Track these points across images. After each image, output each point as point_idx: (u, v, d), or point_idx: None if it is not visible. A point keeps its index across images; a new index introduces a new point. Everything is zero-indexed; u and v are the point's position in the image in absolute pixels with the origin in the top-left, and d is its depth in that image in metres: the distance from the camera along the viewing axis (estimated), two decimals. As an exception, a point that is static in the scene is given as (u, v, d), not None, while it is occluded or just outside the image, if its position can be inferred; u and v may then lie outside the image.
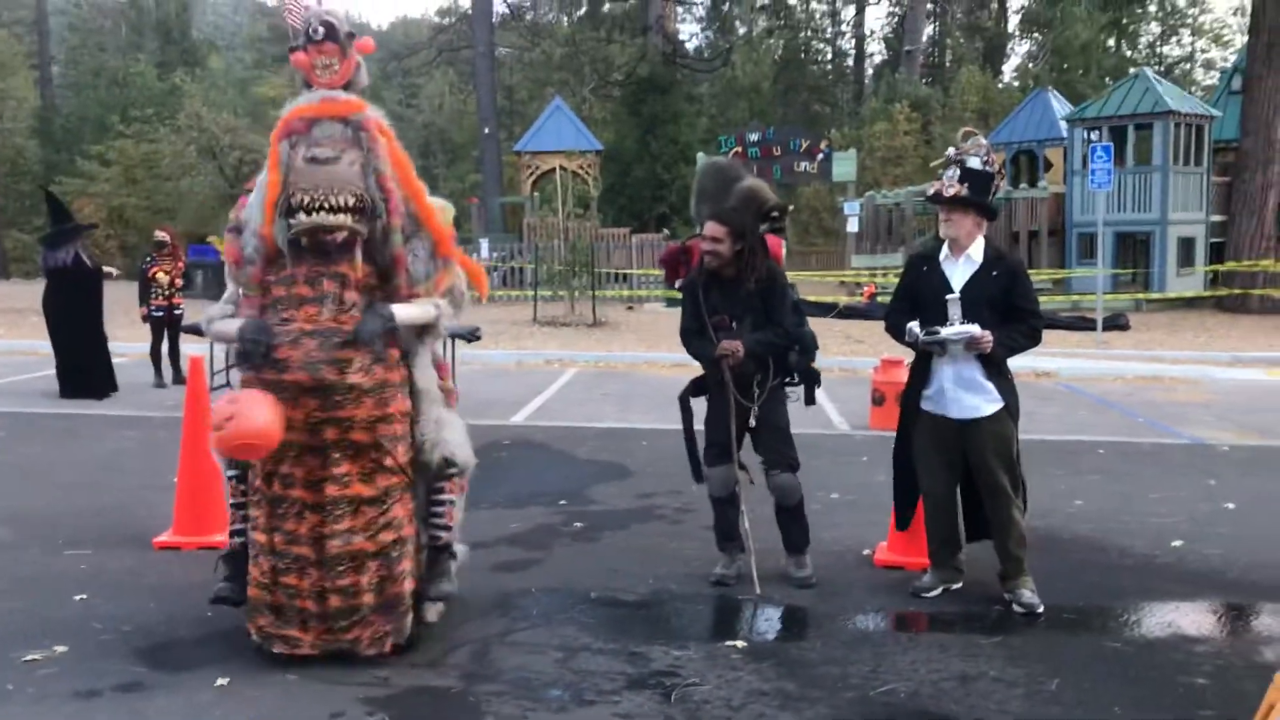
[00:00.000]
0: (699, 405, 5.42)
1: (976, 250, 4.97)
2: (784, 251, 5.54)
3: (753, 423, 5.22)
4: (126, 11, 51.16)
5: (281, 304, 4.16)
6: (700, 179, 5.38)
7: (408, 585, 4.32)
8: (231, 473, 4.40)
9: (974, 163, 4.92)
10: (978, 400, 4.92)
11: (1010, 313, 4.92)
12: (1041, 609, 4.88)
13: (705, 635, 4.67)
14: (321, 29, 4.24)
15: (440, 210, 4.45)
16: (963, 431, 4.97)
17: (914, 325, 4.97)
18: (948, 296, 4.87)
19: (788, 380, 5.31)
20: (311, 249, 4.14)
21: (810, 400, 5.42)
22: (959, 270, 4.97)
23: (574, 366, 14.19)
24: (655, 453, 8.48)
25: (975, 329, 4.80)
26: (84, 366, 11.10)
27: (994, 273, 4.92)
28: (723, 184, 5.23)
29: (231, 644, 4.40)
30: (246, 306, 4.24)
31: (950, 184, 4.93)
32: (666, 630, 4.69)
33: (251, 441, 4.00)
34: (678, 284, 5.53)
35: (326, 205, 4.06)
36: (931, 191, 5.05)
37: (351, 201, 4.10)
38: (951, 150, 5.03)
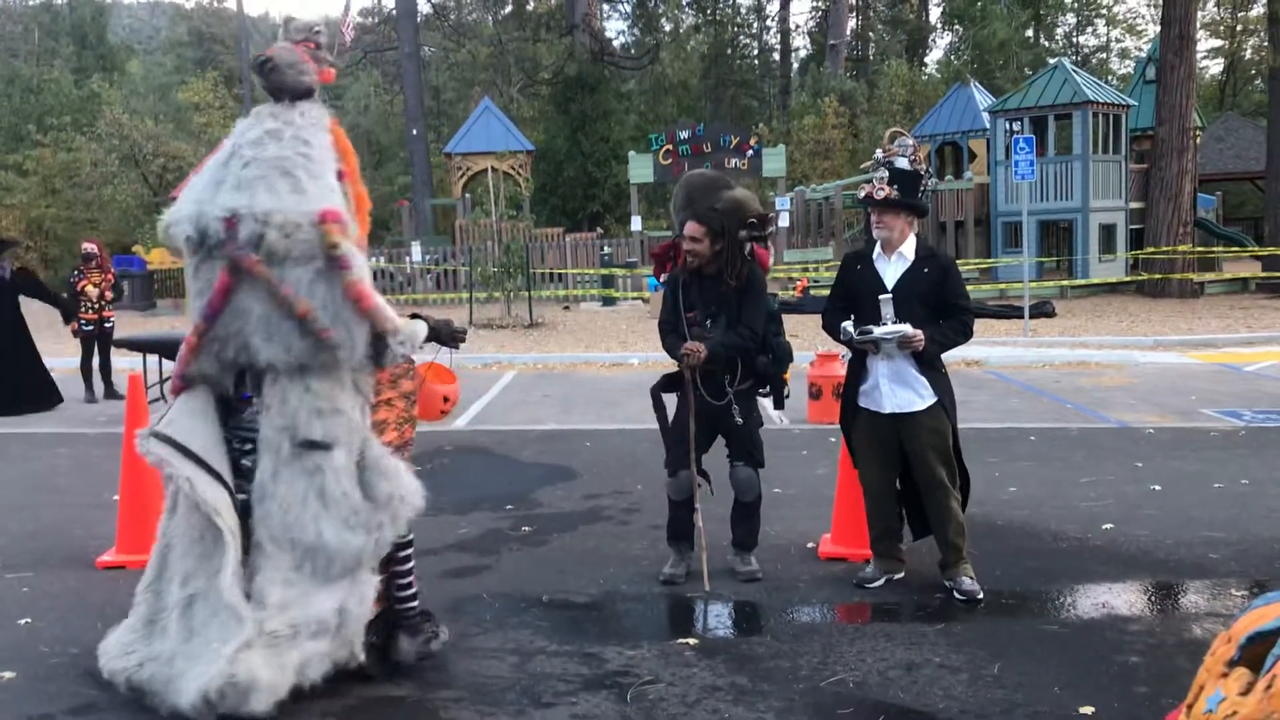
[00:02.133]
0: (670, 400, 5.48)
1: (908, 248, 5.11)
2: (770, 262, 5.62)
3: (731, 421, 5.29)
4: (39, 16, 49.88)
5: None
6: (687, 188, 5.40)
7: None
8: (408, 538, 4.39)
9: (902, 163, 5.05)
10: (910, 395, 5.06)
11: (942, 308, 5.06)
12: (981, 595, 5.03)
13: (657, 634, 4.74)
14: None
15: None
16: (898, 426, 5.11)
17: (848, 324, 5.09)
18: (880, 296, 5.00)
19: (760, 390, 5.42)
20: None
21: (779, 405, 5.57)
22: (891, 268, 5.11)
23: (512, 369, 14.20)
24: (599, 454, 8.54)
25: (907, 328, 4.92)
26: (16, 382, 10.89)
27: (925, 269, 5.06)
28: (711, 192, 5.31)
29: (183, 662, 4.37)
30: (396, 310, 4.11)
31: (880, 186, 5.05)
32: (619, 630, 4.76)
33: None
34: (662, 278, 5.58)
35: None
36: (862, 195, 5.16)
37: None
38: (879, 153, 5.17)
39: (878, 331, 4.97)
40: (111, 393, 11.74)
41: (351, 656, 4.02)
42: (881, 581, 5.27)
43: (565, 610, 5.02)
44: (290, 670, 3.80)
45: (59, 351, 13.95)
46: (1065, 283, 21.59)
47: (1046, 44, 45.84)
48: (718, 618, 5.00)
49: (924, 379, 5.04)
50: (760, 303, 5.28)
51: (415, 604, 4.38)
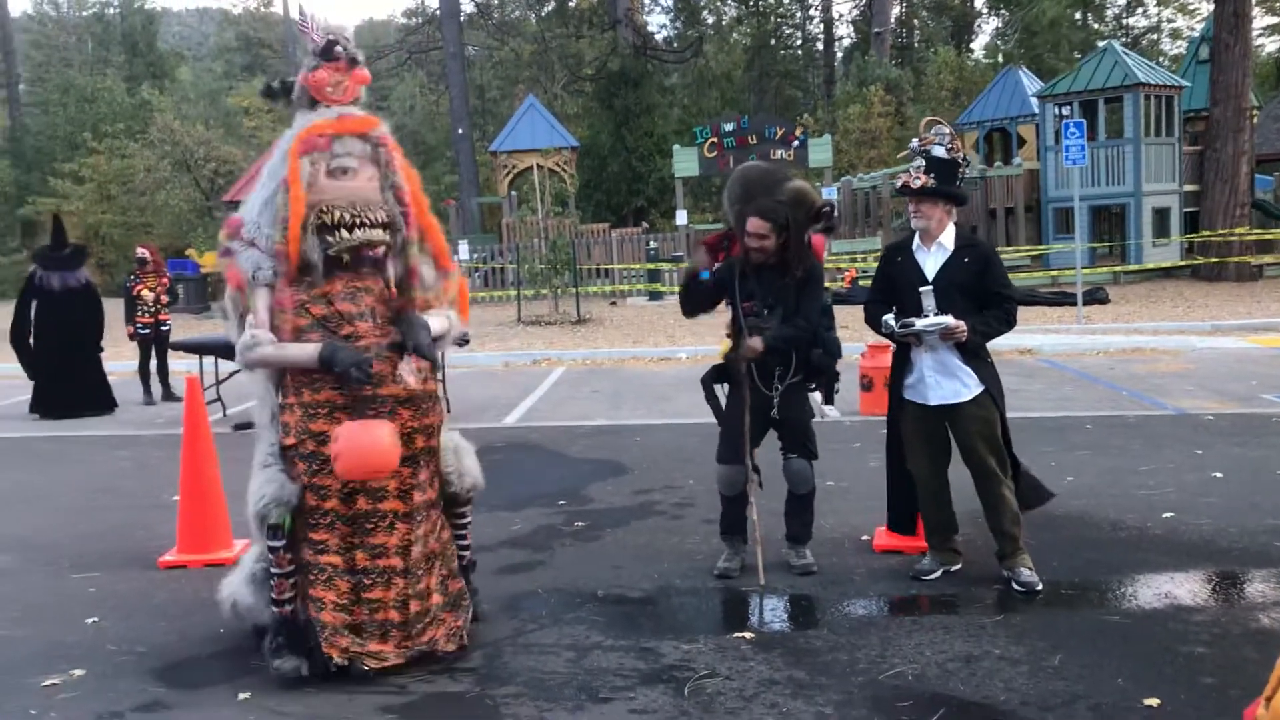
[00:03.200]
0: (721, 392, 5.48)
1: (948, 237, 5.05)
2: (826, 252, 5.58)
3: (775, 415, 5.27)
4: (91, 26, 50.76)
5: (329, 322, 4.18)
6: (743, 182, 5.31)
7: (462, 581, 4.46)
8: (276, 543, 4.20)
9: (939, 151, 4.99)
10: (957, 386, 5.01)
11: (984, 297, 4.99)
12: (1040, 586, 4.97)
13: (713, 628, 4.74)
14: (339, 48, 4.30)
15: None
16: (946, 417, 5.07)
17: (889, 317, 5.06)
18: (921, 288, 4.93)
19: (810, 385, 5.38)
20: (346, 265, 4.20)
21: (828, 400, 5.54)
22: (931, 259, 5.05)
23: (561, 365, 14.24)
24: (649, 448, 8.55)
25: (949, 320, 4.86)
26: (70, 387, 11.11)
27: (965, 259, 5.00)
28: (770, 184, 5.23)
29: (245, 660, 4.45)
30: (286, 329, 4.18)
31: (917, 175, 4.98)
32: (675, 625, 4.77)
33: (379, 467, 4.10)
34: (715, 268, 5.52)
35: (367, 221, 4.14)
36: (900, 184, 5.11)
37: (383, 217, 4.19)
38: (915, 141, 5.10)
39: (919, 324, 4.91)
40: (169, 395, 11.94)
41: None
42: (939, 574, 5.23)
43: (620, 605, 5.03)
44: None
45: (116, 355, 14.19)
46: (1119, 268, 21.27)
47: (1096, 26, 45.15)
48: (773, 611, 4.99)
49: (969, 368, 4.98)
50: (819, 296, 5.25)
51: None
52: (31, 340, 11.29)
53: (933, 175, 4.97)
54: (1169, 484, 6.82)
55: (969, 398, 4.99)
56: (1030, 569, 5.04)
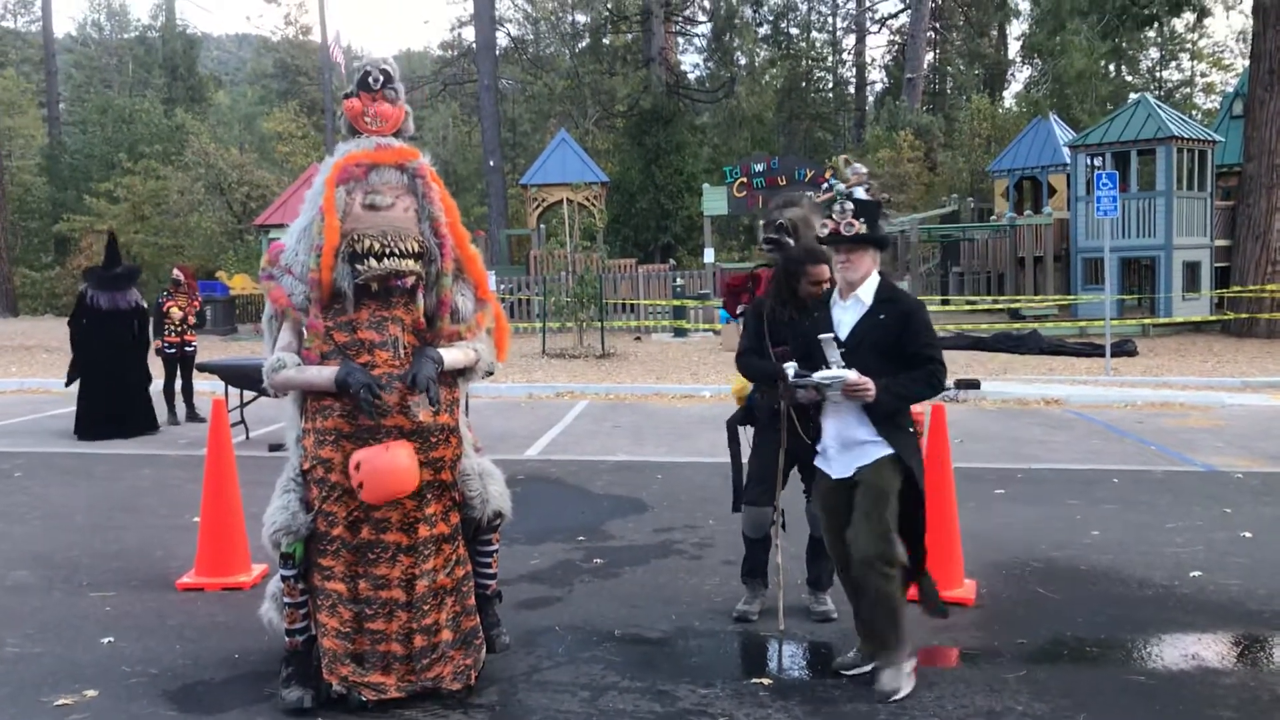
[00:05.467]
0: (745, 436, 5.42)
1: (867, 291, 4.47)
2: None
3: (805, 457, 5.10)
4: (134, 48, 51.58)
5: (350, 349, 4.19)
6: (796, 218, 5.17)
7: (477, 619, 4.39)
8: (289, 573, 4.21)
9: (860, 193, 4.58)
10: (859, 457, 4.44)
11: (905, 359, 4.37)
12: (903, 694, 4.30)
13: (731, 673, 4.67)
14: (380, 77, 4.33)
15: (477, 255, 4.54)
16: (845, 492, 4.49)
17: (789, 366, 4.58)
18: (821, 335, 4.40)
19: None
20: (375, 294, 4.22)
21: None
22: (848, 313, 4.49)
23: (584, 399, 14.23)
24: (670, 486, 8.50)
25: (850, 374, 4.29)
26: (113, 407, 11.12)
27: (881, 315, 4.40)
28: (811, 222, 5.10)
29: (259, 686, 4.42)
30: (312, 354, 4.22)
31: (849, 220, 4.41)
32: (692, 668, 4.71)
33: (397, 489, 4.10)
34: (739, 310, 5.43)
35: (397, 250, 4.16)
36: (827, 231, 4.50)
37: (415, 248, 4.20)
38: (838, 183, 4.65)
39: (816, 376, 4.34)
40: (193, 415, 11.99)
41: None
42: (868, 669, 4.51)
43: (637, 645, 4.98)
44: None
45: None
46: (1147, 321, 21.13)
47: (1129, 78, 45.14)
48: (792, 658, 4.92)
49: (880, 437, 4.37)
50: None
51: None
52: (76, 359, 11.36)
53: (862, 220, 4.41)
54: (1197, 542, 6.72)
55: (868, 462, 4.41)
56: (896, 670, 4.34)
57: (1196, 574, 6.02)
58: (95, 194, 36.96)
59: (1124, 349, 17.63)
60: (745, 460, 5.37)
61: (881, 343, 4.36)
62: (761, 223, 5.15)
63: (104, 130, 42.00)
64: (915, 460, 4.44)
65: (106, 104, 43.86)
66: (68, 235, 38.58)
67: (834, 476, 4.51)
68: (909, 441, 4.44)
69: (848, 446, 4.44)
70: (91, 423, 11.02)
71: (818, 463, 4.63)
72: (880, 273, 4.48)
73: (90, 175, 39.35)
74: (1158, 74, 49.16)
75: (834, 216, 4.45)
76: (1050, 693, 4.38)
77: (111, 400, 11.11)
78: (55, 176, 42.75)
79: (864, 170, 4.61)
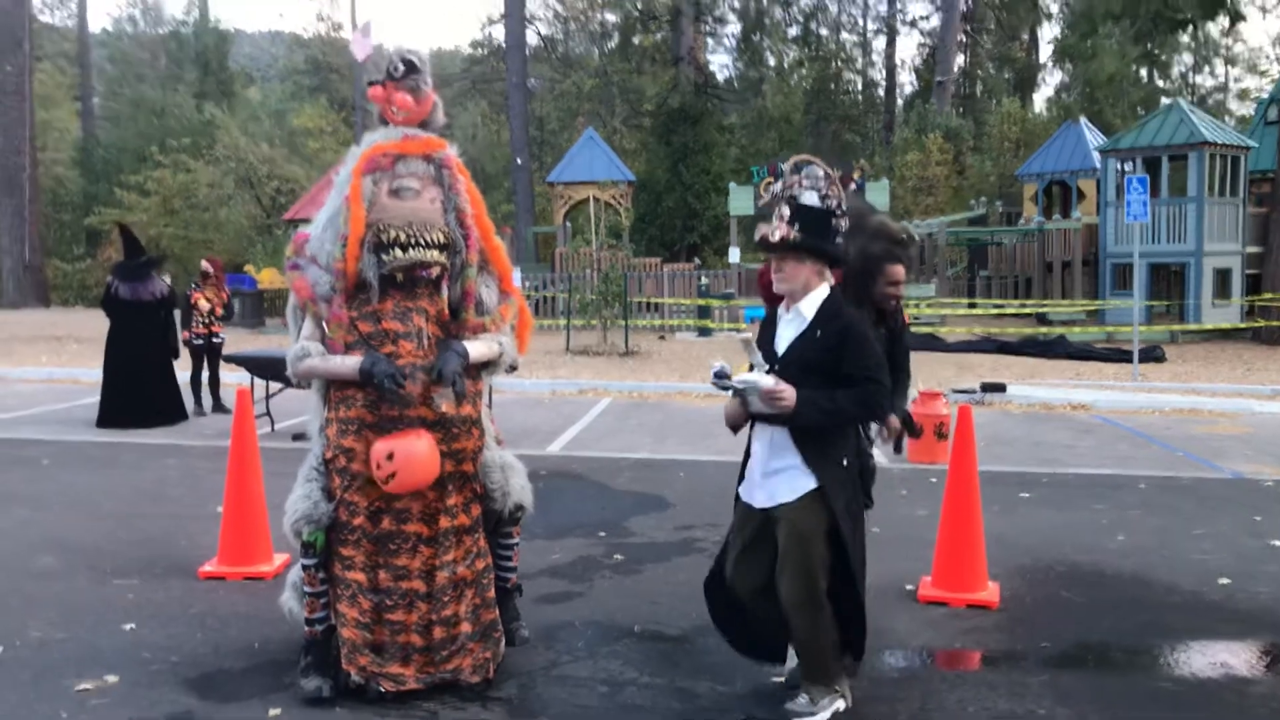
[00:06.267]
0: None
1: (809, 305, 4.01)
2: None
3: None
4: (167, 43, 51.97)
5: (374, 339, 4.19)
6: (856, 215, 4.68)
7: (496, 612, 4.38)
8: (309, 561, 4.21)
9: (809, 198, 3.99)
10: (781, 485, 3.99)
11: (845, 383, 3.91)
12: None
13: (751, 671, 4.64)
14: (402, 66, 4.32)
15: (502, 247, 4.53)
16: (765, 525, 4.06)
17: (716, 365, 4.05)
18: (741, 337, 4.02)
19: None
20: (400, 284, 4.21)
21: (897, 449, 5.45)
22: (789, 328, 4.07)
23: (608, 396, 14.22)
24: (692, 484, 8.48)
25: (766, 381, 3.87)
26: (138, 397, 11.20)
27: (818, 333, 3.96)
28: (873, 227, 4.87)
29: (279, 675, 4.43)
30: (336, 344, 4.21)
31: (779, 225, 3.97)
32: (712, 665, 4.68)
33: (421, 479, 4.11)
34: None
35: (422, 241, 4.15)
36: (758, 237, 4.09)
37: (440, 238, 4.19)
38: (777, 185, 4.11)
39: (735, 379, 3.94)
40: (219, 406, 12.06)
41: None
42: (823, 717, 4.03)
43: (657, 642, 4.96)
44: None
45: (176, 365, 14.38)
46: (1176, 327, 20.93)
47: (1162, 83, 44.76)
48: (812, 657, 4.87)
49: (806, 466, 3.92)
50: (904, 341, 5.13)
51: None
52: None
53: (797, 226, 3.95)
54: (1225, 549, 6.63)
55: (789, 500, 3.96)
56: (812, 706, 4.01)
57: (1225, 581, 5.94)
58: (127, 187, 37.24)
59: (1152, 355, 17.47)
60: None
61: (814, 362, 3.92)
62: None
63: (136, 124, 42.32)
64: (842, 499, 3.95)
65: (139, 98, 44.20)
66: (100, 229, 38.90)
67: (755, 506, 4.07)
68: (838, 474, 3.96)
69: (768, 474, 4.01)
70: (112, 411, 11.11)
71: (740, 488, 4.18)
72: (831, 288, 4.05)
73: (122, 168, 39.66)
74: (1191, 79, 48.73)
75: (773, 219, 4.01)
76: (1074, 698, 4.33)
77: (134, 390, 11.19)
78: (88, 170, 43.12)
79: (821, 173, 3.93)
